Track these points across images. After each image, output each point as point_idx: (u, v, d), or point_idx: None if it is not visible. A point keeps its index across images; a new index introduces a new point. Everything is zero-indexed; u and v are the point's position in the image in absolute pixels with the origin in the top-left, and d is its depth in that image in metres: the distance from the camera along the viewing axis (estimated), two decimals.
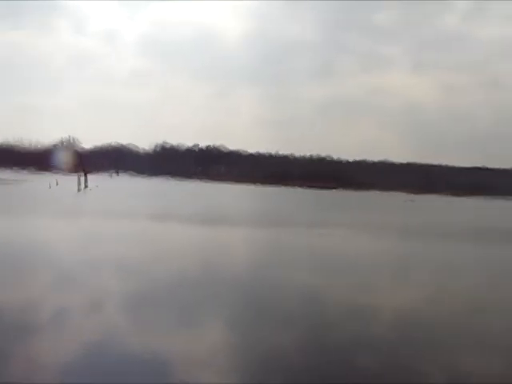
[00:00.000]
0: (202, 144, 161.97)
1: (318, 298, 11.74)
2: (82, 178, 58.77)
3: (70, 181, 59.72)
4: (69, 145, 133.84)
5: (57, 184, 57.70)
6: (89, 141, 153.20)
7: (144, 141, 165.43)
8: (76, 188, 54.23)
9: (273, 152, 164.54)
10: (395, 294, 12.81)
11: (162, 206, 38.80)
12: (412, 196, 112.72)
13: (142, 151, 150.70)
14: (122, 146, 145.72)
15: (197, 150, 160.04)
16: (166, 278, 13.01)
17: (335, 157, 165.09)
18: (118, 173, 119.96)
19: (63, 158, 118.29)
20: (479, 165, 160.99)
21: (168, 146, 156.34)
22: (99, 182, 66.20)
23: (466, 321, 10.39)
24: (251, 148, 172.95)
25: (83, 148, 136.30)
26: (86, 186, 56.52)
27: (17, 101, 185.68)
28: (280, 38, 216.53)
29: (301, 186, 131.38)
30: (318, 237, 24.54)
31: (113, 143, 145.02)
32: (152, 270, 14.05)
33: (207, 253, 17.95)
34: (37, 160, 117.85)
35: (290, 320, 9.65)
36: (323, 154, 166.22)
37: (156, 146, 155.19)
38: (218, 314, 9.90)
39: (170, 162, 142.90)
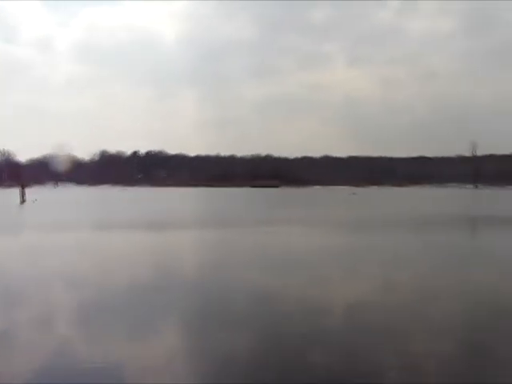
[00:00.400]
0: (143, 150, 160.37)
1: (269, 296, 11.51)
2: (13, 191, 57.19)
3: (6, 196, 58.07)
4: (2, 157, 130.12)
5: None
6: (25, 152, 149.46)
7: (83, 150, 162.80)
8: (11, 203, 52.67)
9: (214, 153, 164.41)
10: (345, 288, 12.69)
11: (104, 215, 37.99)
12: (355, 189, 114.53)
13: (81, 160, 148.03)
14: (60, 156, 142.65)
15: (137, 156, 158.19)
16: (114, 287, 12.56)
17: (276, 155, 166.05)
18: (57, 184, 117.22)
19: None
20: (419, 154, 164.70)
21: (108, 154, 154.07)
22: (37, 195, 64.52)
23: (416, 308, 10.32)
24: (192, 151, 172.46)
25: (18, 160, 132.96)
26: (23, 201, 54.83)
27: None
28: (217, 38, 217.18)
29: (244, 185, 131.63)
30: (265, 235, 24.35)
31: (49, 154, 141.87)
32: (99, 280, 13.58)
33: (155, 258, 17.53)
34: None
35: (243, 320, 9.40)
36: (265, 152, 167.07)
37: (95, 155, 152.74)
38: (169, 318, 9.64)
39: (110, 169, 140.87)
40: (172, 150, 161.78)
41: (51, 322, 9.52)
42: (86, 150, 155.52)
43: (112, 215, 38.14)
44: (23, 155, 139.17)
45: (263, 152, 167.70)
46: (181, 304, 10.74)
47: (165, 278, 13.83)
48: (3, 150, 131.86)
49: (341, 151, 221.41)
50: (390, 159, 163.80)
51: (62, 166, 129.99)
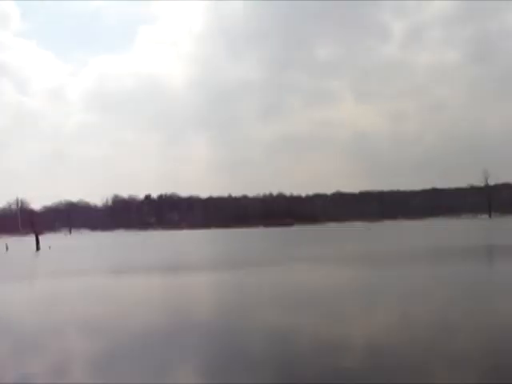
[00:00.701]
0: (155, 193, 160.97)
1: (289, 335, 11.30)
2: (28, 239, 57.44)
3: (22, 244, 58.27)
4: (17, 206, 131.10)
5: (7, 249, 56.10)
6: (39, 200, 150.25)
7: (96, 195, 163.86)
8: (27, 251, 52.88)
9: (226, 195, 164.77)
10: (363, 324, 12.45)
11: (118, 261, 37.91)
12: (368, 224, 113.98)
13: (93, 207, 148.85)
14: (73, 203, 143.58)
15: (150, 199, 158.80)
16: (131, 333, 12.37)
17: (288, 193, 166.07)
18: (70, 231, 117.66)
19: (12, 221, 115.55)
20: (431, 186, 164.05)
21: (120, 199, 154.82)
22: (52, 242, 64.68)
23: (437, 346, 10.04)
24: (204, 193, 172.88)
25: (32, 209, 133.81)
26: (38, 248, 54.98)
27: None
28: (224, 79, 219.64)
29: (257, 225, 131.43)
30: (281, 273, 24.13)
31: (63, 201, 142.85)
32: (117, 326, 13.43)
33: (171, 302, 17.38)
34: None
35: (263, 362, 9.22)
36: (276, 191, 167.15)
37: (107, 200, 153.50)
38: (188, 363, 9.51)
39: (123, 214, 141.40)
40: (184, 193, 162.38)
41: (64, 370, 9.38)
42: (98, 196, 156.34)
43: (126, 260, 38.06)
44: (37, 203, 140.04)
45: (275, 191, 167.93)
46: (197, 349, 10.54)
47: (182, 322, 13.66)
48: (17, 198, 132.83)
49: (352, 187, 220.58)
50: (403, 193, 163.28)
51: (73, 213, 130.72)
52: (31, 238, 60.78)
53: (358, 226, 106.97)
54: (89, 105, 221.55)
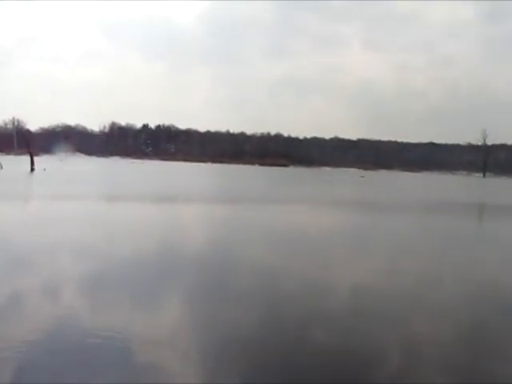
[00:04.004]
0: (153, 124, 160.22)
1: (275, 273, 11.68)
2: (23, 159, 57.53)
3: (16, 163, 58.41)
4: (13, 125, 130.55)
5: (1, 167, 56.28)
6: (36, 122, 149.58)
7: (93, 121, 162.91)
8: (22, 171, 53.02)
9: (224, 130, 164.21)
10: (345, 267, 12.83)
11: (112, 187, 38.23)
12: (363, 172, 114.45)
13: (90, 132, 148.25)
14: (70, 126, 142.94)
15: (147, 129, 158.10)
16: (123, 259, 12.73)
17: (286, 134, 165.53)
18: (66, 154, 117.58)
19: (7, 140, 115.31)
20: (429, 141, 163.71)
21: (117, 126, 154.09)
22: (47, 164, 64.74)
23: (421, 292, 10.45)
24: (202, 127, 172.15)
25: (28, 129, 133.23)
26: (32, 169, 55.15)
27: None
28: (234, 17, 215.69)
29: (253, 163, 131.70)
30: (271, 212, 24.52)
31: (60, 124, 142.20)
32: (108, 251, 13.78)
33: (166, 232, 17.73)
34: None
35: (249, 298, 9.56)
36: (274, 131, 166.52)
37: (105, 127, 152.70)
38: (174, 292, 9.81)
39: (119, 142, 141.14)
40: (182, 125, 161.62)
41: (51, 288, 9.69)
42: (96, 122, 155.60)
43: (119, 187, 38.37)
44: (34, 124, 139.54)
45: (273, 131, 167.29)
46: (186, 278, 10.90)
47: (168, 251, 14.01)
48: (13, 118, 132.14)
49: (351, 134, 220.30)
50: (400, 144, 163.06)
51: (71, 137, 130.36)
52: (26, 158, 60.77)
53: (352, 173, 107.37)
54: (96, 30, 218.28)
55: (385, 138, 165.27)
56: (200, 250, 14.46)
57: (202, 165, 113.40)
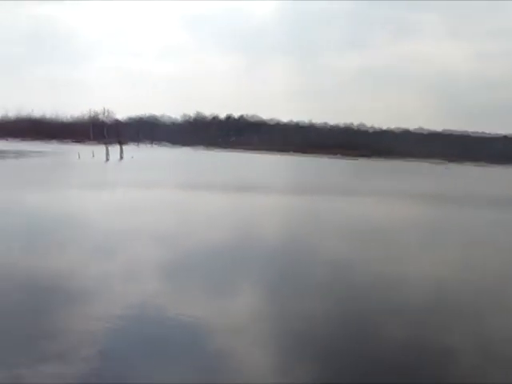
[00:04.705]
0: (236, 114, 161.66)
1: (345, 263, 11.87)
2: (115, 149, 59.38)
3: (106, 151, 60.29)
4: (103, 116, 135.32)
5: (93, 156, 58.33)
6: (123, 112, 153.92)
7: (177, 112, 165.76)
8: (112, 159, 54.96)
9: (306, 121, 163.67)
10: (420, 260, 12.79)
11: (196, 176, 39.05)
12: (448, 164, 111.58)
13: (175, 122, 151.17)
14: (156, 117, 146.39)
15: (231, 119, 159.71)
16: (200, 246, 13.13)
17: (369, 125, 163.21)
18: (152, 143, 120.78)
19: (98, 129, 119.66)
20: None
21: (201, 117, 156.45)
22: (134, 152, 66.57)
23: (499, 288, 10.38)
24: (285, 117, 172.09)
25: (117, 119, 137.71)
26: (121, 158, 57.05)
27: (50, 72, 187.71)
28: (311, 7, 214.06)
29: (335, 154, 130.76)
30: (352, 204, 24.54)
31: (146, 114, 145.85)
32: (186, 239, 14.23)
33: (240, 220, 18.12)
34: (72, 132, 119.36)
35: (324, 291, 9.69)
36: (356, 122, 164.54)
37: (189, 117, 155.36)
38: (251, 282, 9.99)
39: (203, 132, 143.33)
40: (265, 116, 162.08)
41: (134, 271, 10.24)
42: (181, 112, 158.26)
43: (203, 176, 39.14)
44: (122, 114, 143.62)
45: (355, 122, 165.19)
46: (263, 269, 11.14)
47: (245, 240, 14.37)
48: (104, 108, 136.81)
49: (434, 125, 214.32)
50: (487, 136, 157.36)
51: (155, 126, 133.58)
52: (114, 148, 62.69)
53: (435, 164, 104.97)
54: (178, 23, 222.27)
55: (470, 128, 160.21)
56: (297, 242, 14.67)
57: (285, 155, 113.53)
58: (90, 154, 59.02)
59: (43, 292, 8.70)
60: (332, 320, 8.02)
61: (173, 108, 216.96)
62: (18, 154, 58.06)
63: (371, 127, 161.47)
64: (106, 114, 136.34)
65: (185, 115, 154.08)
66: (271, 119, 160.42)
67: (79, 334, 6.83)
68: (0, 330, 7.02)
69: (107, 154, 58.31)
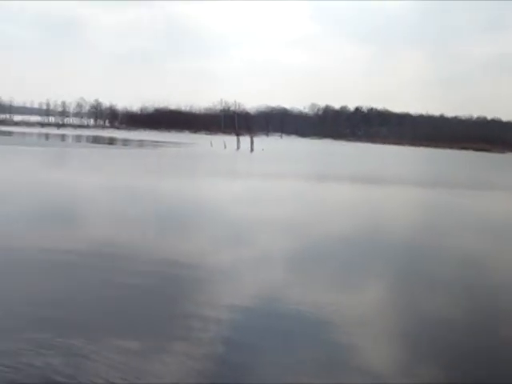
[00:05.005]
0: (364, 106, 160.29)
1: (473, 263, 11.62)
2: (245, 140, 61.13)
3: (235, 143, 62.21)
4: (234, 108, 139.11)
5: (225, 147, 60.35)
6: (252, 103, 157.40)
7: (306, 103, 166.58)
8: (243, 149, 56.78)
9: (438, 114, 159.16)
10: None
11: (324, 168, 39.63)
12: None
13: (304, 114, 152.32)
14: (285, 108, 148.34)
15: (360, 112, 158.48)
16: (324, 236, 13.54)
17: (504, 119, 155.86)
18: (281, 136, 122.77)
19: (228, 120, 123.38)
20: None
21: (330, 109, 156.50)
22: (264, 145, 67.92)
23: None
24: (414, 110, 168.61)
25: (247, 111, 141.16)
26: (252, 149, 58.71)
27: (184, 66, 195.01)
28: None
29: (467, 148, 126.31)
30: (484, 199, 24.15)
31: (276, 106, 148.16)
32: (315, 229, 14.61)
33: (369, 212, 18.59)
34: (203, 123, 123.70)
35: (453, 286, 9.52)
36: (491, 115, 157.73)
37: (318, 109, 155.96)
38: (378, 275, 10.03)
39: (332, 124, 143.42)
40: (394, 109, 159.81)
41: (263, 260, 10.60)
42: (309, 104, 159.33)
43: (332, 168, 39.78)
44: (252, 105, 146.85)
45: (489, 115, 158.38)
46: (389, 263, 11.15)
47: (374, 233, 14.45)
48: (235, 101, 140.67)
49: None
50: None
51: (285, 118, 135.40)
52: (244, 139, 64.42)
53: None
54: (306, 16, 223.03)
55: None
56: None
57: (413, 148, 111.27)
58: (221, 144, 61.11)
59: (175, 274, 9.27)
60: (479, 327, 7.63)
61: (302, 99, 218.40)
62: (156, 144, 61.31)
63: (507, 121, 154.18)
64: (236, 105, 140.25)
65: (313, 107, 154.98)
66: (401, 112, 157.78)
67: (207, 320, 7.06)
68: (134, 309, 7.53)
69: (238, 144, 60.22)
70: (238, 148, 58.85)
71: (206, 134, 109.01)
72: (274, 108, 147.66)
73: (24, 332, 6.21)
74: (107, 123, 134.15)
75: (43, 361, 5.46)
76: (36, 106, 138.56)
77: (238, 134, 68.55)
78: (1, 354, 5.56)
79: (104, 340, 6.19)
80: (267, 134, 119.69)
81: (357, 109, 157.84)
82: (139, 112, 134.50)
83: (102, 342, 6.10)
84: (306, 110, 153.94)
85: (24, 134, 75.82)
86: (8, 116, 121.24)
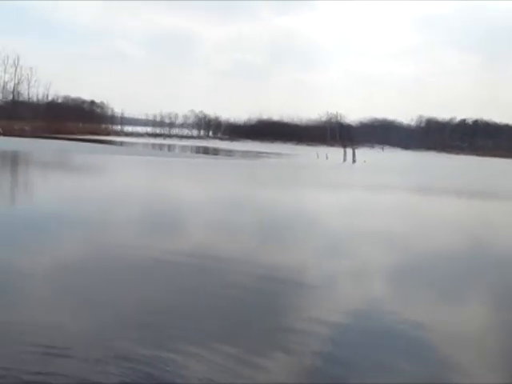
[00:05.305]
0: (470, 117, 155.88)
1: None
2: (349, 152, 61.42)
3: (339, 154, 62.60)
4: (336, 120, 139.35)
5: (326, 158, 60.86)
6: (355, 115, 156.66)
7: (409, 115, 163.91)
8: (346, 162, 57.24)
9: None
10: None
11: (427, 181, 39.45)
12: None
13: (406, 126, 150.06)
14: (387, 120, 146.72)
15: (465, 124, 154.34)
16: (435, 252, 13.45)
17: None
18: (383, 148, 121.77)
19: (331, 132, 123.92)
20: None
21: (434, 121, 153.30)
22: (366, 156, 67.79)
23: None
24: None
25: (349, 123, 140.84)
26: (354, 161, 58.95)
27: (288, 78, 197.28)
28: None
29: None
30: None
31: (378, 118, 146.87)
32: (421, 243, 14.60)
33: (472, 228, 18.44)
34: (306, 134, 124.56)
35: None
36: None
37: (421, 121, 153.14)
38: (494, 294, 9.89)
39: (435, 136, 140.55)
40: (503, 120, 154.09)
41: (359, 275, 10.63)
42: (411, 116, 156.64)
43: (434, 181, 39.34)
44: (353, 118, 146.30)
45: None
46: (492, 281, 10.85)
47: (473, 249, 14.33)
48: (336, 112, 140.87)
49: None
50: None
51: (387, 130, 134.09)
52: (347, 150, 64.48)
53: None
54: (408, 26, 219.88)
55: None
56: None
57: None
58: (323, 155, 61.74)
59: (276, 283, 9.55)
60: None
61: (406, 111, 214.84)
62: (259, 155, 62.75)
63: None
64: (338, 117, 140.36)
65: (418, 119, 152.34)
66: (507, 124, 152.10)
67: (303, 332, 7.16)
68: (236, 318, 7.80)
69: (345, 157, 60.51)
70: (345, 160, 59.20)
71: (308, 145, 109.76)
72: (376, 119, 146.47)
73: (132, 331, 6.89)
74: (211, 134, 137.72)
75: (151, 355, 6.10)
76: (143, 117, 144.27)
77: (344, 146, 68.84)
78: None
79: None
80: (371, 146, 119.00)
81: (462, 120, 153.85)
82: (242, 123, 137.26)
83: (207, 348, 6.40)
84: (410, 122, 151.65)
85: (133, 143, 79.54)
86: (119, 127, 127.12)
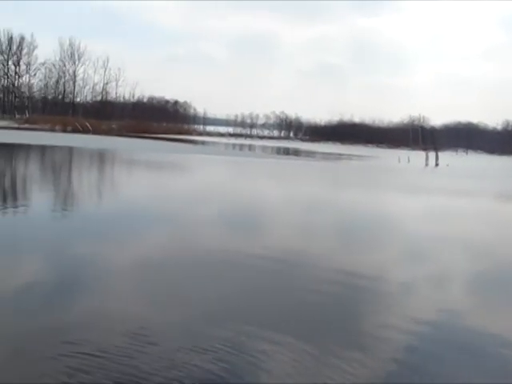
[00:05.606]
0: None
1: None
2: (431, 155, 60.52)
3: (420, 158, 61.74)
4: (418, 122, 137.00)
5: (408, 161, 60.19)
6: (439, 118, 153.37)
7: (494, 118, 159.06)
8: (428, 165, 56.45)
9: None
10: None
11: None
12: None
13: (492, 129, 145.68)
14: (471, 124, 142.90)
15: None
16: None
17: None
18: (467, 151, 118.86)
19: (413, 135, 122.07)
20: None
21: None
22: (449, 160, 66.59)
23: None
24: None
25: (433, 126, 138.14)
26: (436, 164, 58.10)
27: (370, 80, 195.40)
28: None
29: None
30: None
31: (463, 121, 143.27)
32: (501, 252, 14.29)
33: None
34: (387, 137, 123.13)
35: None
36: None
37: (508, 125, 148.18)
38: None
39: None
40: None
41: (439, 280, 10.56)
42: (495, 119, 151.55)
43: None
44: (437, 121, 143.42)
45: None
46: None
47: None
48: (419, 115, 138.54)
49: None
50: None
51: (471, 134, 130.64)
52: (430, 154, 63.49)
53: None
54: (495, 26, 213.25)
55: None
56: None
57: None
58: (405, 159, 61.08)
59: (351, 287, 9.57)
60: None
61: (491, 114, 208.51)
62: (340, 157, 62.77)
63: None
64: (421, 119, 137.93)
65: (505, 122, 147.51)
66: None
67: (379, 337, 7.16)
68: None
69: (427, 159, 59.64)
70: (427, 164, 58.36)
71: (389, 148, 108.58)
72: (460, 123, 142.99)
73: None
74: (292, 135, 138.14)
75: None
76: (225, 117, 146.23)
77: (425, 149, 67.88)
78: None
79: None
80: (455, 150, 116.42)
81: None
82: (323, 124, 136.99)
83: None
84: (495, 125, 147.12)
85: (214, 143, 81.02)
86: (202, 127, 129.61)
